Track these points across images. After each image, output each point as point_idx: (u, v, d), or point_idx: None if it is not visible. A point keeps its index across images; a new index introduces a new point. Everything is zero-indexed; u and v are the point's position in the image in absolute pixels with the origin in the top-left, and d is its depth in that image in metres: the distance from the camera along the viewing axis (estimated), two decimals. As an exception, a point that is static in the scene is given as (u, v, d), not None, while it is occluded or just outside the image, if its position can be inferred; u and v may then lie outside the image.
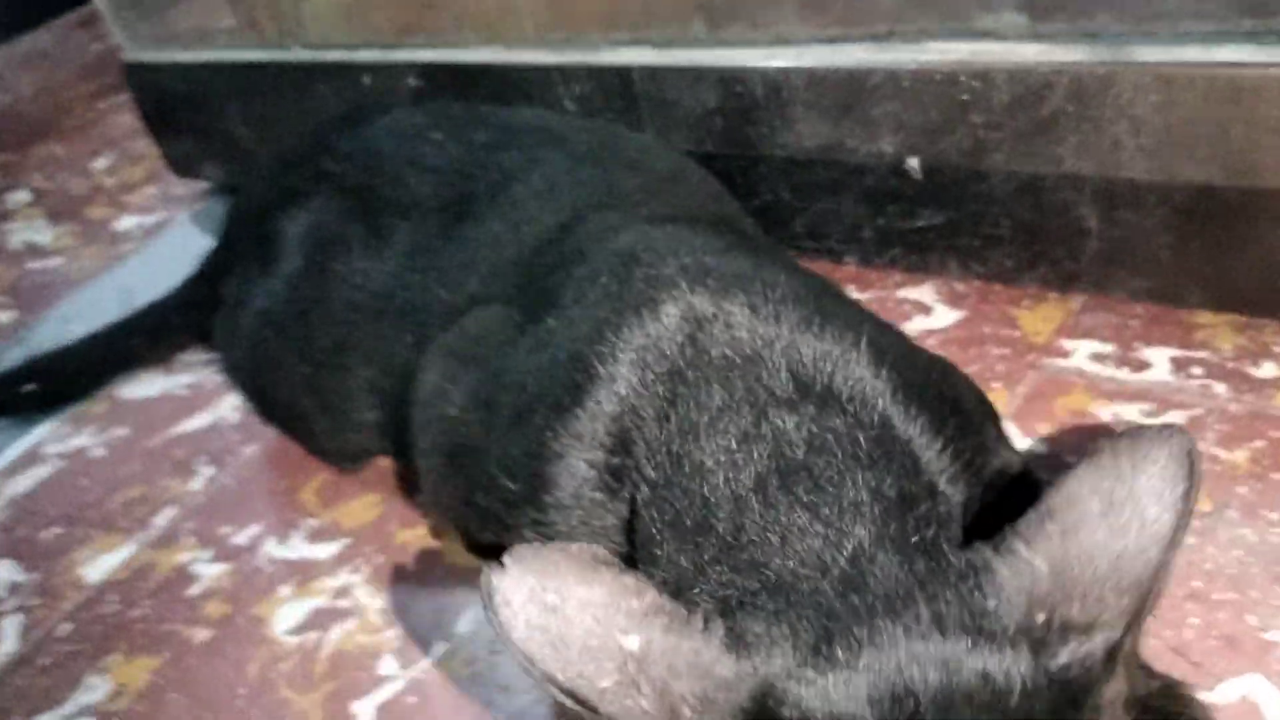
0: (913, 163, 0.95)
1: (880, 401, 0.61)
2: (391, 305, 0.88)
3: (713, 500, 0.58)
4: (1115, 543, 0.50)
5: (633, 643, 0.50)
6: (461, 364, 0.77)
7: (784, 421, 0.59)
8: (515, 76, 1.16)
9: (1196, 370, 0.87)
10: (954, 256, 1.00)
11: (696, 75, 1.03)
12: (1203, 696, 0.64)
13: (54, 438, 1.21)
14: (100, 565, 1.01)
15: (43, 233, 1.77)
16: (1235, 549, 0.73)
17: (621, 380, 0.63)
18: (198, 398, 1.20)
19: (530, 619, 0.50)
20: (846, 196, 1.02)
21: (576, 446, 0.64)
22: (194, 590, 0.95)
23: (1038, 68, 0.84)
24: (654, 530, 0.59)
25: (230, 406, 1.16)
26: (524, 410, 0.68)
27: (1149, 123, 0.81)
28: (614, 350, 0.64)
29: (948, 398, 0.65)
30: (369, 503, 0.99)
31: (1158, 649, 0.68)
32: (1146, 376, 0.88)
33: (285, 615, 0.90)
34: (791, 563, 0.54)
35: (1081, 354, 0.92)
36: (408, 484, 0.98)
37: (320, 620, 0.88)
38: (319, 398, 0.95)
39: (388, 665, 0.83)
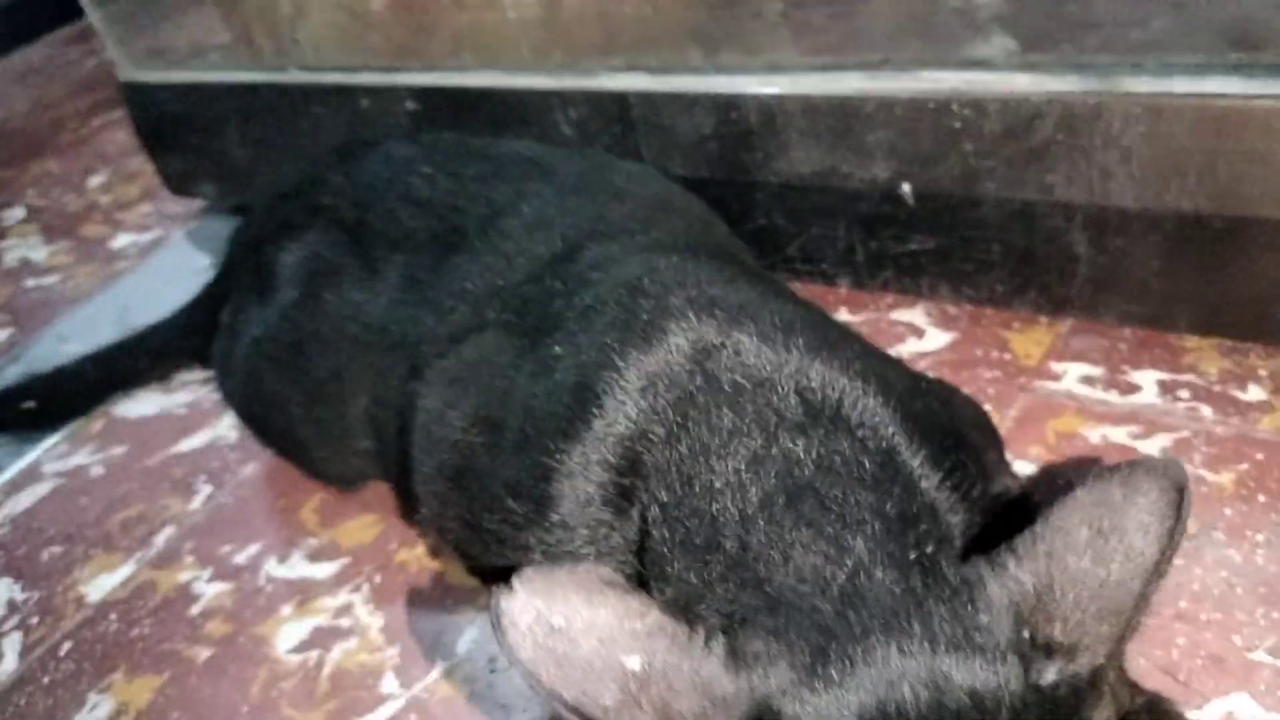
0: (905, 189, 0.97)
1: (886, 427, 0.62)
2: (385, 335, 0.89)
3: (721, 519, 0.59)
4: (1099, 570, 0.51)
5: (635, 662, 0.51)
6: (463, 388, 0.78)
7: (794, 444, 0.61)
8: (512, 101, 1.17)
9: (1184, 393, 0.89)
10: (946, 280, 1.02)
11: (692, 101, 1.04)
12: (1190, 715, 0.65)
13: (52, 456, 1.21)
14: (100, 584, 1.01)
15: (38, 250, 1.77)
16: (1221, 569, 0.74)
17: (631, 404, 0.65)
18: (196, 416, 1.21)
19: (537, 640, 0.51)
20: (840, 221, 1.03)
21: (584, 468, 0.65)
22: (195, 609, 0.96)
23: (1029, 97, 0.86)
24: (664, 548, 0.61)
25: (228, 425, 1.16)
26: (530, 432, 0.69)
27: (1138, 152, 0.83)
28: (623, 375, 0.66)
29: (949, 424, 0.67)
30: (368, 522, 1.00)
31: (1146, 668, 0.69)
32: (1135, 399, 0.89)
33: (286, 634, 0.90)
34: (793, 579, 0.55)
35: (1071, 376, 0.93)
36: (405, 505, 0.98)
37: (321, 639, 0.89)
38: (315, 426, 0.96)
39: (389, 684, 0.84)
